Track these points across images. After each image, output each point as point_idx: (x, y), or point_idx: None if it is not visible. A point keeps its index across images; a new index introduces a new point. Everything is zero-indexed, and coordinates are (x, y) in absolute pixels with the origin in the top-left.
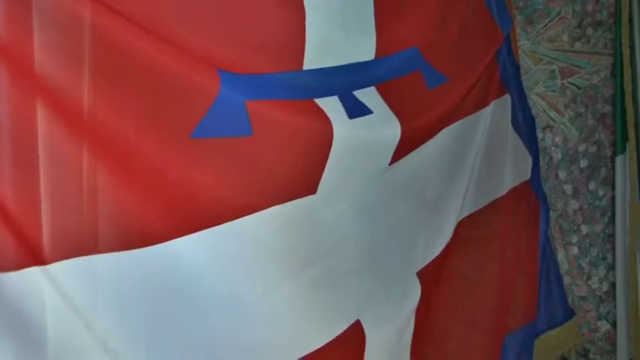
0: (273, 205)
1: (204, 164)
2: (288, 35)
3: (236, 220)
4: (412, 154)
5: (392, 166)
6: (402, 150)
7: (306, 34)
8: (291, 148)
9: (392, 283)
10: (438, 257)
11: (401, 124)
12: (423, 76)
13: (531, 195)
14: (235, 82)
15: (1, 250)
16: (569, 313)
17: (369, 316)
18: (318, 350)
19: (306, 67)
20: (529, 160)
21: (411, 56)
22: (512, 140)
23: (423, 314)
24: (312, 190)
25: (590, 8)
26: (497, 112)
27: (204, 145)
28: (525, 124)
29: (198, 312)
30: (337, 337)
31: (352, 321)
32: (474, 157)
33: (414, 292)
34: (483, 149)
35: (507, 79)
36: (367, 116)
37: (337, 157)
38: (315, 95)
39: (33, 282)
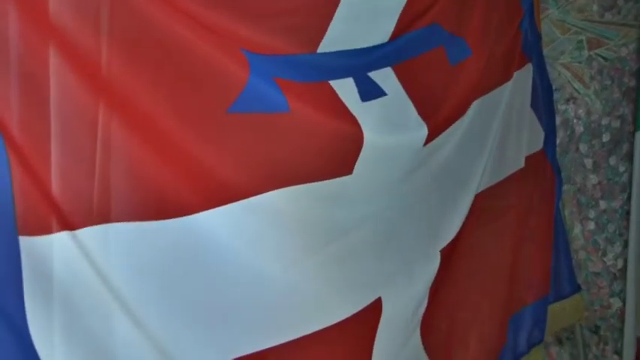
0: (303, 183)
1: (236, 138)
2: (315, 19)
3: (261, 195)
4: (441, 136)
5: (423, 149)
6: (432, 134)
7: (332, 22)
8: (324, 129)
9: (416, 262)
10: (458, 233)
11: (417, 108)
12: (446, 51)
13: (547, 165)
14: (262, 60)
15: (33, 213)
16: (576, 288)
17: (391, 294)
18: (334, 325)
19: (320, 50)
20: (541, 130)
21: (430, 32)
22: (529, 112)
23: (437, 286)
24: (349, 171)
25: None
26: (519, 83)
27: (239, 120)
28: (543, 94)
29: (218, 285)
30: (356, 313)
31: (374, 298)
32: (496, 131)
33: (434, 268)
34: (505, 122)
35: (529, 48)
36: (381, 98)
37: (370, 146)
38: (331, 77)
39: (60, 246)
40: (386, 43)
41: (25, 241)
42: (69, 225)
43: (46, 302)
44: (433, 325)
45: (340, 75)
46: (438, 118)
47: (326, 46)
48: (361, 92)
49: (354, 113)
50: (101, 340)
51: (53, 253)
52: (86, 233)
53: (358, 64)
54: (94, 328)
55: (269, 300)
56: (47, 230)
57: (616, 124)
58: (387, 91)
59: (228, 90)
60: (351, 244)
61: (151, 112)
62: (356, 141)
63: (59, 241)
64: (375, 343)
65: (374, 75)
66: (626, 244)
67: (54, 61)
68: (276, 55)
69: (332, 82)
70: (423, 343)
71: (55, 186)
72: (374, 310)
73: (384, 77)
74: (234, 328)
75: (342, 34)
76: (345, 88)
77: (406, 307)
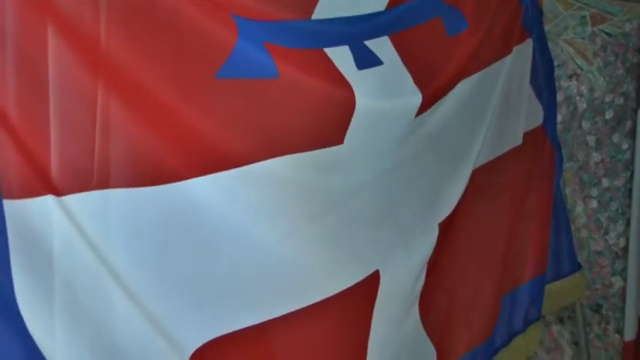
0: (297, 152)
1: (227, 104)
2: None
3: (255, 164)
4: (436, 105)
5: (417, 118)
6: (427, 102)
7: None
8: (315, 97)
9: (414, 234)
10: (456, 206)
11: (413, 77)
12: (444, 23)
13: (547, 142)
14: (251, 26)
15: (13, 176)
16: (576, 266)
17: (389, 266)
18: (331, 297)
19: (315, 17)
20: (539, 107)
21: (429, 3)
22: (528, 88)
23: (435, 262)
24: (340, 140)
25: None
26: (518, 58)
27: (228, 86)
28: (544, 70)
29: (210, 253)
30: (353, 285)
31: (371, 271)
32: (494, 106)
33: (432, 243)
34: (503, 97)
35: (529, 23)
36: (377, 67)
37: (362, 113)
38: (326, 44)
39: (45, 211)
40: (382, 11)
41: (10, 205)
42: (55, 190)
43: (34, 268)
44: (432, 303)
45: (336, 42)
46: (433, 87)
47: (320, 12)
48: (357, 60)
49: (349, 80)
50: (93, 310)
51: (43, 217)
52: (73, 199)
53: (354, 31)
54: (78, 297)
55: (263, 271)
56: (36, 193)
57: (619, 101)
58: (383, 60)
59: (215, 54)
60: (348, 215)
61: (147, 80)
62: (347, 108)
63: (47, 203)
64: (373, 317)
65: (370, 44)
66: (628, 223)
67: (52, 40)
68: (268, 21)
69: (327, 50)
70: (422, 321)
71: (50, 154)
72: (371, 282)
73: (381, 46)
74: (228, 300)
75: (333, 3)
76: (341, 56)
77: (404, 280)
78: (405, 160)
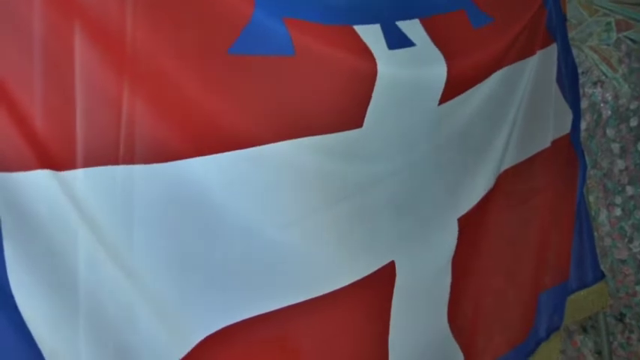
0: (312, 134)
1: (239, 82)
2: None
3: (266, 145)
4: (461, 96)
5: (441, 106)
6: (451, 91)
7: None
8: (334, 76)
9: (432, 226)
10: (478, 205)
11: (447, 61)
12: (468, 15)
13: (571, 150)
14: (273, 0)
15: (10, 149)
16: (600, 275)
17: (404, 257)
18: (343, 288)
19: None
20: (569, 113)
21: None
22: (556, 92)
23: (462, 266)
24: (359, 124)
25: None
26: (543, 61)
27: (241, 62)
28: (568, 76)
29: (217, 237)
30: (367, 276)
31: (386, 261)
32: (518, 106)
33: (452, 238)
34: (528, 99)
35: (554, 28)
36: (409, 48)
37: (383, 91)
38: (356, 21)
39: (42, 185)
40: None
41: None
42: (54, 164)
43: (26, 243)
44: (460, 307)
45: (367, 20)
46: (459, 76)
47: None
48: (388, 40)
49: (376, 57)
50: (86, 288)
51: (34, 191)
52: (72, 175)
53: (386, 11)
54: (77, 276)
55: (273, 257)
56: (28, 167)
57: None
58: (415, 42)
59: (229, 28)
60: (364, 204)
61: (170, 69)
62: (367, 87)
63: (41, 178)
64: (392, 310)
65: (402, 25)
66: None
67: (78, 39)
68: None
69: (357, 27)
70: (450, 324)
71: (34, 119)
72: (387, 274)
73: (412, 28)
74: (237, 287)
75: None
76: (372, 34)
77: (423, 274)
78: (429, 154)
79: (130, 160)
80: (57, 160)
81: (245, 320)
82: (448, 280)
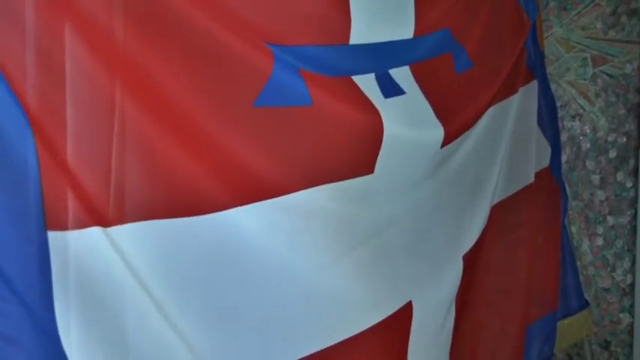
0: (331, 181)
1: (265, 133)
2: (334, 8)
3: (293, 194)
4: (457, 141)
5: (442, 149)
6: (449, 136)
7: (351, 9)
8: (345, 124)
9: (441, 265)
10: (477, 241)
11: (433, 108)
12: (453, 58)
13: (552, 182)
14: (287, 52)
15: (64, 207)
16: (584, 303)
17: (420, 298)
18: (367, 330)
19: (352, 41)
20: (547, 146)
21: (443, 37)
22: (536, 127)
23: (462, 301)
24: (370, 170)
25: None
26: (525, 98)
27: (266, 114)
28: (547, 111)
29: (251, 285)
30: (387, 317)
31: (405, 302)
32: (505, 143)
33: (458, 275)
34: (512, 135)
35: (533, 65)
36: (400, 97)
37: (391, 141)
38: (355, 72)
39: (94, 242)
40: (407, 39)
41: (54, 236)
42: (102, 221)
43: (77, 302)
44: (458, 345)
45: (363, 70)
46: (453, 123)
47: (356, 38)
48: (383, 89)
49: (378, 108)
50: (134, 343)
51: (85, 249)
52: (119, 231)
53: (380, 60)
54: (126, 330)
55: (305, 303)
56: (80, 225)
57: (622, 140)
58: (405, 90)
59: (253, 82)
60: (383, 245)
61: (185, 108)
62: (377, 136)
63: (91, 236)
64: (409, 350)
65: (394, 73)
66: (634, 260)
67: (70, 40)
68: (305, 46)
69: (355, 78)
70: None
71: (82, 176)
72: (405, 314)
73: (402, 75)
74: (269, 334)
75: (367, 25)
76: (368, 84)
77: (436, 313)
78: (432, 192)
79: (168, 214)
80: (104, 217)
81: None
82: (452, 316)
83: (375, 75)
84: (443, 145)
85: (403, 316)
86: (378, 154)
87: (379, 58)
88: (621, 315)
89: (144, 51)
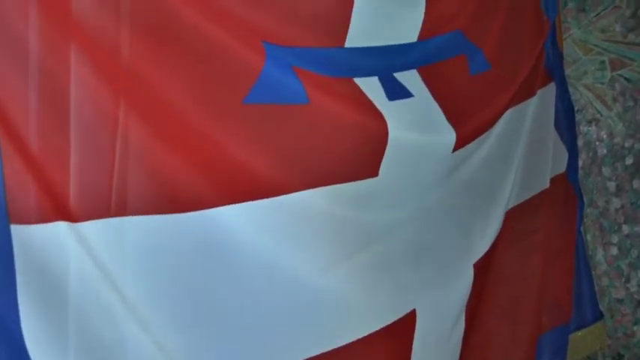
0: (331, 183)
1: (257, 130)
2: (335, 9)
3: (289, 194)
4: (470, 146)
5: (454, 153)
6: (461, 141)
7: (353, 10)
8: (345, 125)
9: (450, 274)
10: (490, 248)
11: (444, 112)
12: (468, 60)
13: (569, 188)
14: (280, 51)
15: (28, 201)
16: (598, 315)
17: (425, 306)
18: (368, 337)
19: (348, 44)
20: (565, 151)
21: (454, 39)
22: (553, 131)
23: (472, 310)
24: (374, 173)
25: None
26: (543, 100)
27: (257, 111)
28: (564, 115)
29: (239, 288)
30: (388, 325)
31: (409, 310)
32: (522, 147)
33: (469, 284)
34: (530, 139)
35: (552, 67)
36: (407, 100)
37: (397, 144)
38: (356, 74)
39: (59, 237)
40: (413, 43)
41: (17, 230)
42: (69, 216)
43: (44, 298)
44: (469, 355)
45: (365, 73)
46: (466, 126)
47: (352, 40)
48: (387, 91)
49: (381, 110)
50: (104, 340)
51: (50, 244)
52: (88, 227)
53: (384, 63)
54: (91, 327)
55: (297, 309)
56: (44, 219)
57: (639, 146)
58: (413, 93)
59: (243, 79)
60: (383, 252)
61: (172, 105)
62: (381, 138)
63: (56, 230)
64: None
65: (399, 76)
66: None
67: (75, 59)
68: (299, 47)
69: (356, 80)
70: None
71: (70, 180)
72: (408, 322)
73: (410, 79)
74: (256, 340)
75: (367, 28)
76: (371, 86)
77: (442, 322)
78: (443, 199)
79: (153, 210)
80: (72, 212)
81: None
82: (462, 326)
83: (379, 78)
84: (455, 150)
85: (406, 325)
86: (382, 157)
87: (382, 60)
88: (635, 327)
89: (146, 59)
